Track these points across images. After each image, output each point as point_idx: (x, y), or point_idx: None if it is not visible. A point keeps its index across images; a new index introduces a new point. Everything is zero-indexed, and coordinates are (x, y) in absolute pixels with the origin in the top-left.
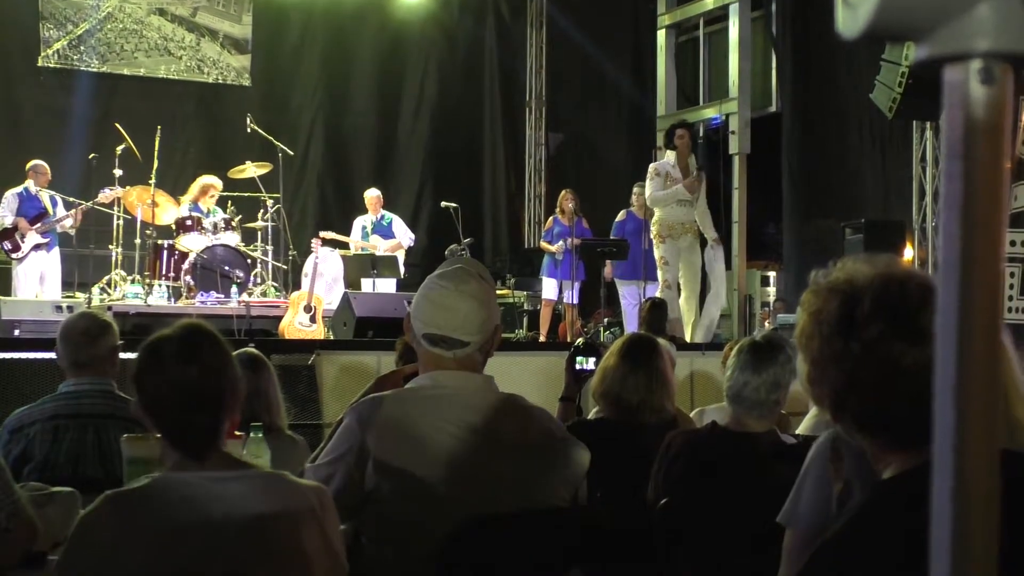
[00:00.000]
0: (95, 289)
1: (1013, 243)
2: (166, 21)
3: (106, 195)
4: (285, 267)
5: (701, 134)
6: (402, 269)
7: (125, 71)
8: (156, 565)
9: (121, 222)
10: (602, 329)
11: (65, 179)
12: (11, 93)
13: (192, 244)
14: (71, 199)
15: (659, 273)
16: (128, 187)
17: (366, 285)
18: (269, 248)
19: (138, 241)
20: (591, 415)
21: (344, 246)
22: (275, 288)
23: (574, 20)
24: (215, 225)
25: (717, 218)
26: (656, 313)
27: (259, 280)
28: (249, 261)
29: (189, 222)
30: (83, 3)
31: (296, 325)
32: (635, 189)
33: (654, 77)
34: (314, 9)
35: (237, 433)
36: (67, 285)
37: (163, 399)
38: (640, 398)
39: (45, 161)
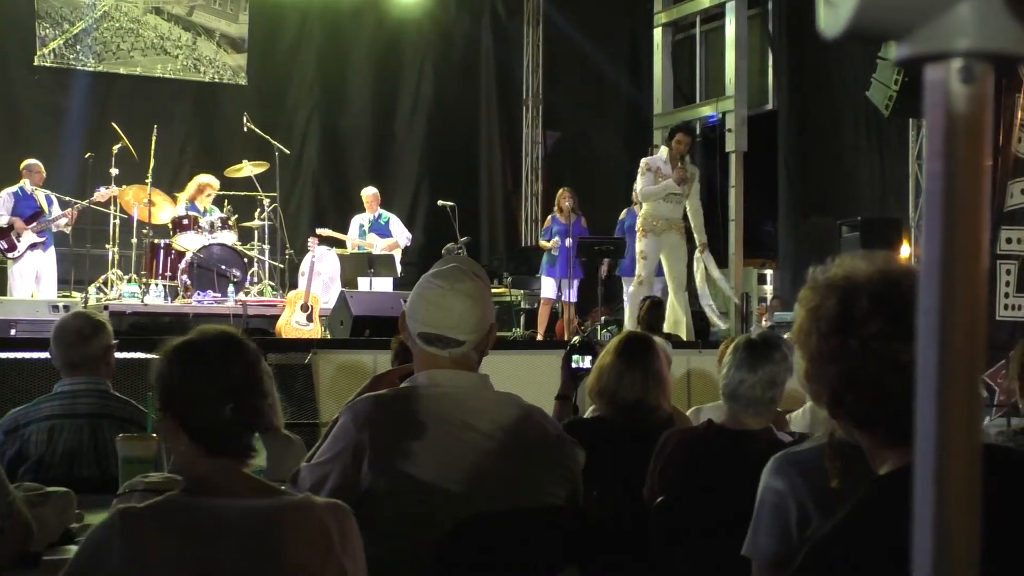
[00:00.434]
0: (92, 288)
1: (1010, 240)
2: (162, 20)
3: (101, 194)
4: (282, 266)
5: (698, 132)
6: (399, 268)
7: (121, 70)
8: None
9: (118, 221)
10: (599, 327)
11: (62, 178)
12: (7, 92)
13: (189, 243)
14: (67, 198)
15: (636, 267)
16: (125, 186)
17: (363, 284)
18: (266, 247)
19: (135, 240)
20: (587, 414)
21: (341, 244)
22: (272, 287)
23: (571, 18)
24: (212, 224)
25: (714, 216)
26: (654, 312)
27: (256, 279)
28: (246, 260)
29: (186, 221)
30: (79, 2)
31: (293, 324)
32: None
33: (651, 75)
34: (310, 8)
35: None
36: (64, 284)
37: (205, 403)
38: (636, 396)
39: (42, 160)
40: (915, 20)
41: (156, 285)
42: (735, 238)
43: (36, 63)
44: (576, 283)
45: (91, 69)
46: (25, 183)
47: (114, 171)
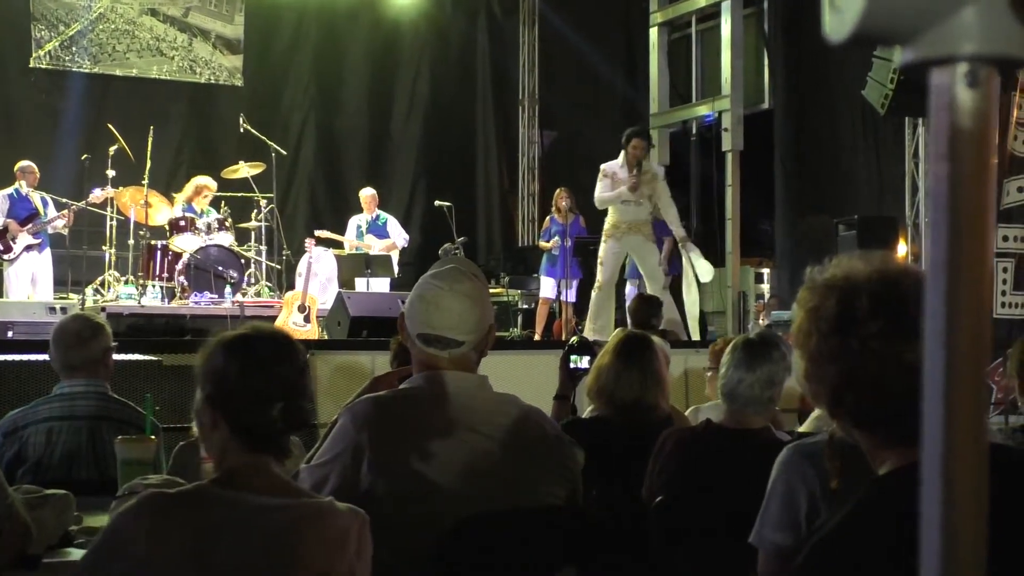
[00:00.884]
0: (88, 290)
1: (1006, 238)
2: (158, 22)
3: (97, 195)
4: (279, 267)
5: (694, 131)
6: (396, 268)
7: (117, 72)
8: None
9: (114, 223)
10: None
11: (58, 180)
12: (3, 94)
13: (186, 244)
14: (63, 200)
15: (597, 272)
16: (121, 187)
17: (360, 285)
18: (263, 248)
19: (131, 242)
20: (585, 414)
21: (339, 245)
22: (269, 288)
23: (566, 18)
24: (209, 225)
25: (710, 215)
26: (644, 308)
27: (253, 280)
28: (243, 261)
29: (183, 222)
30: (75, 4)
31: (290, 325)
32: None
33: (647, 74)
34: (306, 8)
35: None
36: (60, 286)
37: (257, 401)
38: (634, 396)
39: (38, 162)
40: (920, 24)
41: (153, 286)
42: (732, 237)
43: (32, 65)
44: (575, 283)
45: (87, 71)
46: (21, 185)
47: (110, 172)
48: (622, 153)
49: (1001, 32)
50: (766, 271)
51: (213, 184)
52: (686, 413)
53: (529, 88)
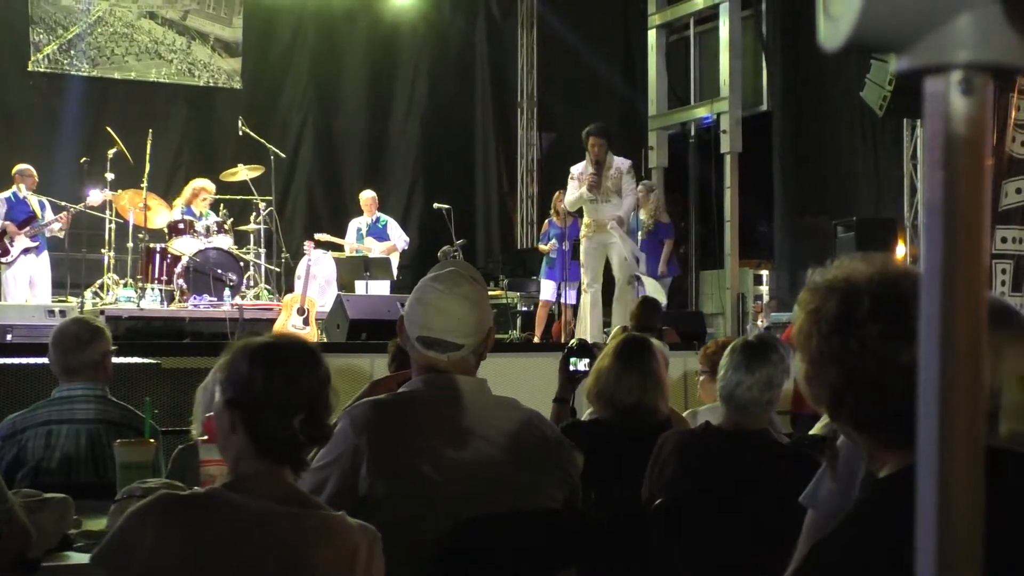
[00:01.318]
0: (87, 293)
1: (1005, 240)
2: (156, 25)
3: (94, 198)
4: (278, 270)
5: (693, 133)
6: (395, 271)
7: (116, 75)
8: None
9: (113, 226)
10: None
11: (57, 183)
12: (2, 98)
13: (184, 247)
14: (61, 203)
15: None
16: (120, 190)
17: (359, 287)
18: (262, 251)
19: (130, 245)
20: (585, 416)
21: (339, 248)
22: (268, 291)
23: (565, 20)
24: (207, 228)
25: (709, 217)
26: (646, 311)
27: (252, 283)
28: (242, 264)
29: (181, 225)
30: (73, 7)
31: (289, 328)
32: (639, 187)
33: (645, 77)
34: (304, 11)
35: None
36: (59, 289)
37: (280, 410)
38: (634, 399)
39: (37, 165)
40: (915, 33)
41: (152, 289)
42: (731, 239)
43: (30, 68)
44: (576, 285)
45: (85, 74)
46: (19, 188)
47: (109, 175)
48: (588, 158)
49: (995, 40)
50: (765, 273)
51: (211, 186)
52: (684, 415)
53: (528, 90)
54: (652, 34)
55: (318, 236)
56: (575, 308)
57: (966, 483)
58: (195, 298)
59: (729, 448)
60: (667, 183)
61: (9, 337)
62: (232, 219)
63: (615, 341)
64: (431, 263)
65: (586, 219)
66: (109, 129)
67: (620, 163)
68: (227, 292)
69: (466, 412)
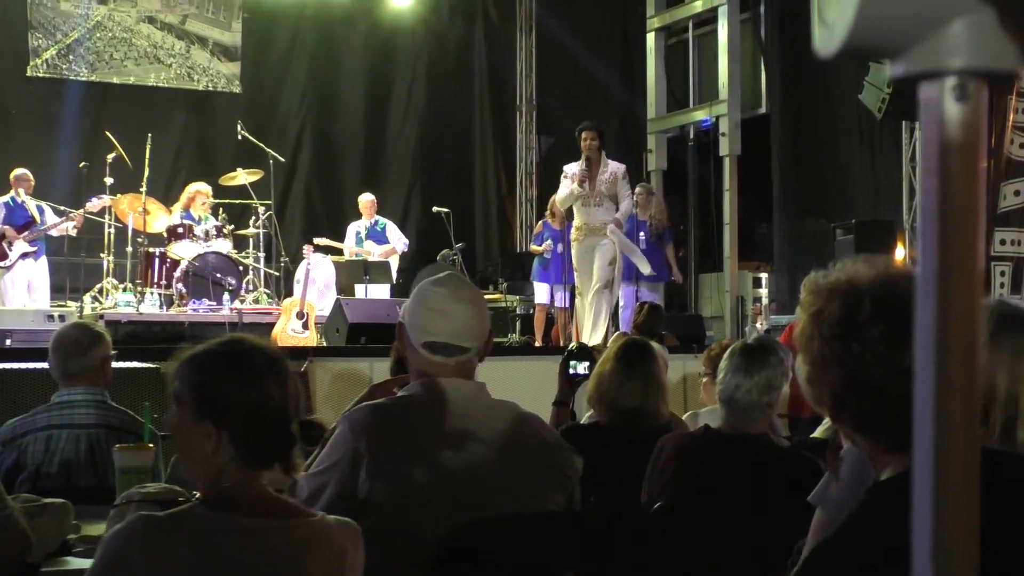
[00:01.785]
0: (87, 297)
1: (1003, 242)
2: (155, 29)
3: (95, 204)
4: (277, 273)
5: (692, 136)
6: (395, 274)
7: (115, 79)
8: None
9: (112, 230)
10: None
11: (56, 188)
12: (1, 102)
13: (184, 252)
14: (61, 207)
15: (575, 280)
16: (119, 195)
17: (359, 291)
18: (261, 255)
19: (129, 249)
20: (584, 419)
21: (338, 252)
22: (267, 295)
23: (563, 23)
24: (207, 232)
25: (708, 219)
26: (652, 317)
27: (251, 287)
28: (241, 268)
29: (180, 229)
30: (72, 12)
31: (289, 332)
32: (636, 189)
33: (644, 79)
34: (303, 15)
35: None
36: (58, 293)
37: (255, 412)
38: (637, 403)
39: (36, 170)
40: (909, 39)
41: (151, 294)
42: (730, 241)
43: (29, 74)
44: (569, 288)
45: (84, 79)
46: (18, 192)
47: (108, 180)
48: (583, 157)
49: (989, 46)
50: (764, 275)
51: (207, 189)
52: (684, 418)
53: (527, 94)
54: (651, 37)
55: (317, 240)
56: (571, 311)
57: (962, 485)
58: (194, 302)
59: (728, 451)
60: (666, 186)
61: (8, 342)
62: (231, 223)
63: (616, 345)
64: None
65: (576, 222)
66: (108, 134)
67: (615, 167)
68: (226, 296)
69: (465, 416)
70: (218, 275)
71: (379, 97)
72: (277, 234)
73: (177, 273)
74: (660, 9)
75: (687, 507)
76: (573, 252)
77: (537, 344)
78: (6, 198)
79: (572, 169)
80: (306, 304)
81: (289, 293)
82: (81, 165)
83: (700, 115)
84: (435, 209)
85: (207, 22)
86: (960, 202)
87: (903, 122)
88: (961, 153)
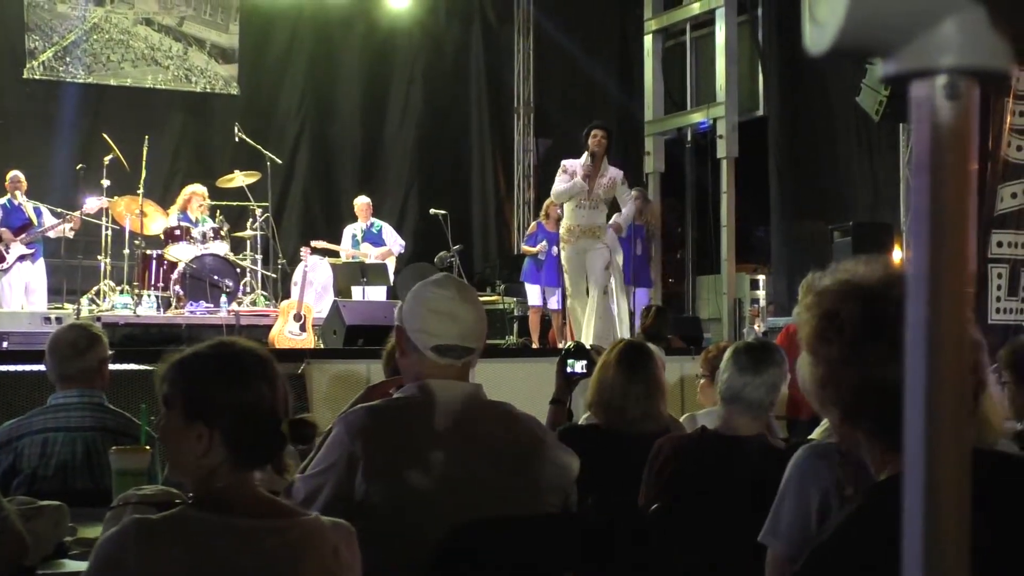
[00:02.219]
0: (84, 300)
1: (1000, 244)
2: (153, 31)
3: (91, 205)
4: (274, 276)
5: (689, 138)
6: (392, 276)
7: (111, 81)
8: None
9: (109, 232)
10: None
11: (53, 190)
12: None
13: (181, 254)
14: (58, 209)
15: (564, 280)
16: (116, 197)
17: (356, 293)
18: (258, 257)
19: (127, 251)
20: (582, 420)
21: (335, 255)
22: (264, 297)
23: (561, 26)
24: (204, 234)
25: (705, 222)
26: (659, 320)
27: (248, 289)
28: (238, 270)
29: (178, 232)
30: (68, 14)
31: (286, 334)
32: (632, 192)
33: (642, 82)
34: (300, 17)
35: None
36: (55, 296)
37: (261, 416)
38: (642, 409)
39: (33, 172)
40: (900, 38)
41: (148, 296)
42: (727, 244)
43: (26, 76)
44: (558, 291)
45: (81, 81)
46: (15, 194)
47: (105, 182)
48: (585, 153)
49: (980, 44)
50: (761, 277)
51: (203, 190)
52: (681, 419)
53: (524, 96)
54: (648, 39)
55: (314, 243)
56: (563, 312)
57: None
58: (192, 304)
59: (726, 453)
60: (664, 188)
61: (5, 344)
62: (229, 225)
63: (615, 349)
64: (428, 269)
65: (568, 223)
66: (105, 136)
67: (614, 173)
68: (224, 298)
69: (462, 417)
70: (215, 277)
71: (376, 99)
72: (274, 236)
73: (174, 275)
74: (658, 11)
75: (684, 508)
76: (563, 253)
77: (534, 346)
78: (3, 200)
79: (572, 165)
80: (303, 306)
81: (286, 295)
82: (78, 167)
83: (697, 117)
84: (432, 211)
85: (204, 24)
86: (951, 200)
87: (900, 124)
88: (952, 151)
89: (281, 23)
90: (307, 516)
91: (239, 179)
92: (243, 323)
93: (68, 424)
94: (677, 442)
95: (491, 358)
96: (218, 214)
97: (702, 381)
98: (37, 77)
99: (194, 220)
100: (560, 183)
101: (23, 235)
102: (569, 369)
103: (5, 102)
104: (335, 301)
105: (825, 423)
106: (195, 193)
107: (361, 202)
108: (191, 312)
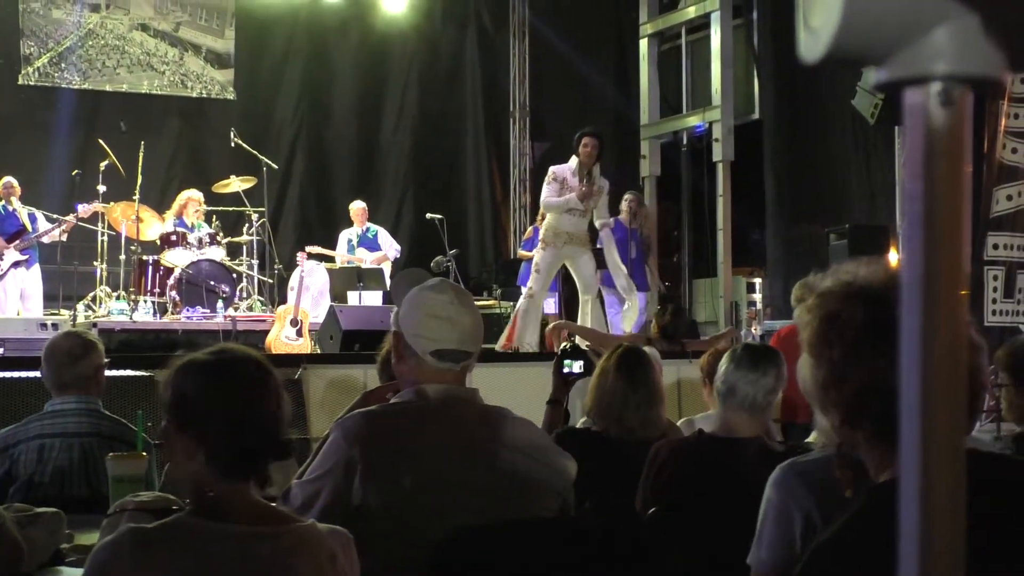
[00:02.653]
0: (80, 306)
1: (996, 246)
2: (148, 36)
3: (84, 209)
4: (271, 281)
5: (685, 142)
6: (388, 281)
7: (107, 87)
8: None
9: (105, 238)
10: None
11: (49, 196)
12: None
13: (177, 259)
14: (53, 215)
15: (529, 279)
16: (112, 203)
17: (352, 298)
18: (254, 262)
19: (123, 257)
20: (580, 423)
21: (330, 260)
22: (261, 302)
23: (557, 29)
24: (200, 240)
25: (701, 225)
26: (677, 319)
27: (245, 294)
28: (235, 275)
29: (174, 237)
30: (64, 20)
31: (282, 339)
32: (626, 196)
33: (637, 85)
34: (296, 22)
35: None
36: (51, 301)
37: (236, 427)
38: (644, 416)
39: (29, 178)
40: (893, 45)
41: (145, 302)
42: (723, 247)
43: (20, 82)
44: (556, 295)
45: (77, 87)
46: (10, 200)
47: (101, 188)
48: (573, 158)
49: (973, 51)
50: (758, 281)
51: (199, 195)
52: (679, 423)
53: (520, 100)
54: (644, 43)
55: (309, 249)
56: (561, 316)
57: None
58: (188, 310)
59: (723, 455)
60: (660, 192)
61: (1, 351)
62: (225, 231)
63: (615, 356)
64: (424, 273)
65: (555, 226)
66: (101, 142)
67: (603, 183)
68: (220, 304)
69: (459, 422)
70: (212, 283)
71: (372, 104)
72: (271, 241)
73: (171, 281)
74: (653, 15)
75: (682, 512)
76: (543, 254)
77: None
78: None
79: (561, 171)
80: (300, 311)
81: (283, 300)
82: (74, 173)
83: (693, 121)
84: (429, 215)
85: (200, 29)
86: (945, 207)
87: (896, 127)
88: (946, 158)
89: (277, 28)
90: (303, 522)
91: (235, 184)
92: (239, 328)
93: (65, 430)
94: (674, 446)
95: (487, 362)
96: (214, 219)
97: (706, 385)
98: (32, 83)
99: (190, 225)
100: (551, 194)
101: (17, 241)
102: (566, 369)
103: (1, 108)
104: (331, 306)
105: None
106: (191, 199)
107: (356, 207)
108: (187, 318)
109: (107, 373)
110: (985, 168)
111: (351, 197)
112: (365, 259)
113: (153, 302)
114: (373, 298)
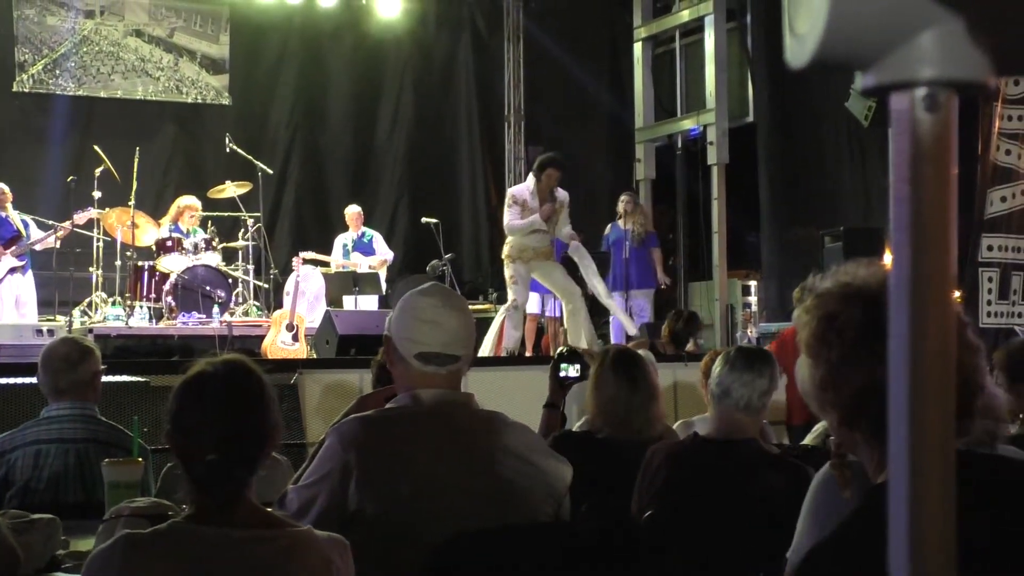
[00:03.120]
0: (76, 312)
1: (991, 248)
2: (143, 42)
3: (80, 216)
4: (266, 286)
5: (680, 145)
6: (384, 286)
7: (102, 93)
8: None
9: (101, 244)
10: None
11: (44, 202)
12: None
13: (173, 265)
14: (48, 222)
15: (509, 293)
16: (108, 209)
17: (348, 303)
18: (250, 267)
19: (118, 263)
20: (576, 427)
21: (325, 266)
22: (257, 307)
23: (551, 34)
24: (195, 245)
25: (696, 228)
26: (690, 325)
27: (241, 299)
28: (230, 281)
29: (169, 243)
30: (58, 26)
31: (278, 344)
32: (622, 197)
33: (632, 89)
34: (291, 27)
35: None
36: (47, 308)
37: (203, 441)
38: (643, 418)
39: (24, 185)
40: (879, 50)
41: (141, 307)
42: (718, 250)
43: (15, 89)
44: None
45: (71, 93)
46: (6, 207)
47: (97, 194)
48: (530, 178)
49: (959, 56)
50: (753, 283)
51: (196, 203)
52: (674, 427)
53: (515, 104)
54: (638, 47)
55: (304, 254)
56: (560, 320)
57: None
58: (184, 315)
59: (719, 458)
60: (655, 195)
61: None
62: (220, 236)
63: (612, 359)
64: (420, 277)
65: (518, 244)
66: (96, 148)
67: (562, 196)
68: (216, 309)
69: (454, 427)
70: (207, 288)
71: (367, 108)
72: (266, 246)
73: (166, 286)
74: (647, 19)
75: (678, 515)
76: (514, 267)
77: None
78: None
79: (523, 196)
80: (296, 316)
81: (279, 305)
82: (69, 179)
83: (688, 124)
84: (424, 220)
85: (195, 35)
86: (932, 212)
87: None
88: (932, 163)
89: (271, 33)
90: (298, 527)
91: (230, 190)
92: (235, 334)
93: (61, 436)
94: (669, 449)
95: (483, 366)
96: (210, 225)
97: (706, 388)
98: (27, 90)
99: (186, 231)
100: (513, 217)
101: (12, 248)
102: (563, 373)
103: None
104: (327, 311)
105: (818, 428)
106: (188, 205)
107: (352, 211)
108: (183, 323)
109: (103, 379)
110: (979, 170)
111: (346, 202)
112: (360, 263)
113: (149, 308)
114: (369, 303)
